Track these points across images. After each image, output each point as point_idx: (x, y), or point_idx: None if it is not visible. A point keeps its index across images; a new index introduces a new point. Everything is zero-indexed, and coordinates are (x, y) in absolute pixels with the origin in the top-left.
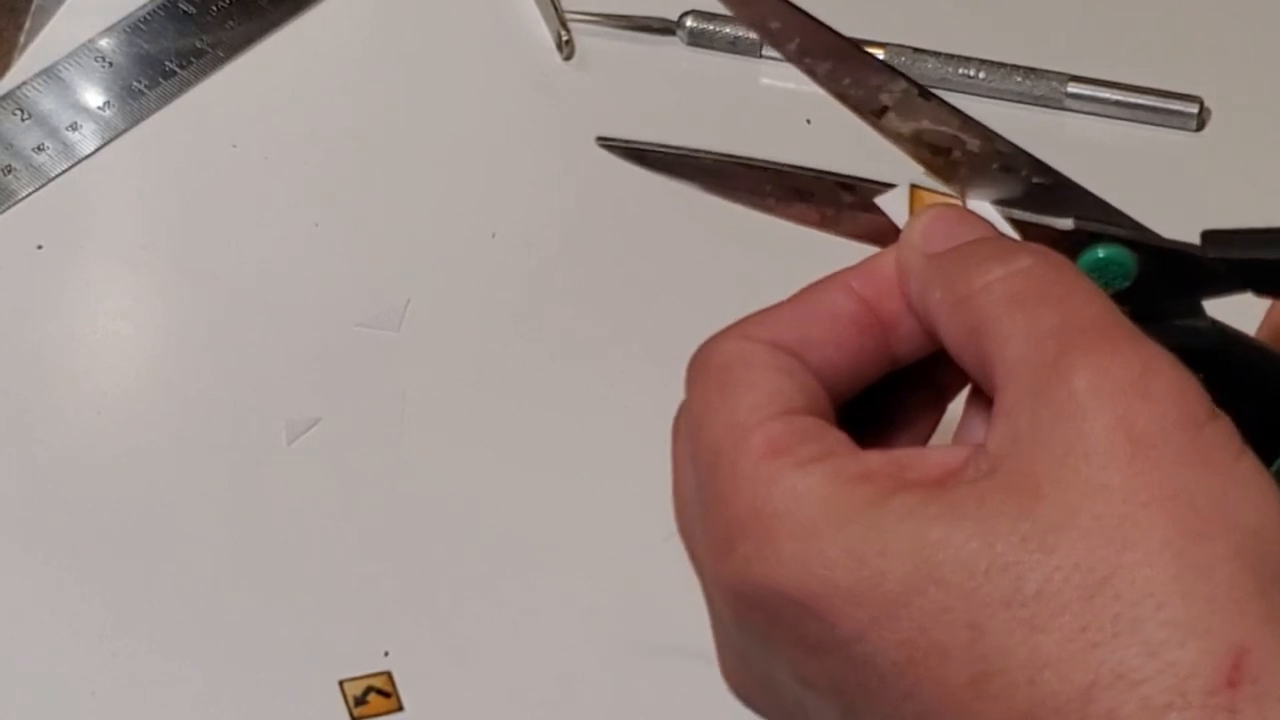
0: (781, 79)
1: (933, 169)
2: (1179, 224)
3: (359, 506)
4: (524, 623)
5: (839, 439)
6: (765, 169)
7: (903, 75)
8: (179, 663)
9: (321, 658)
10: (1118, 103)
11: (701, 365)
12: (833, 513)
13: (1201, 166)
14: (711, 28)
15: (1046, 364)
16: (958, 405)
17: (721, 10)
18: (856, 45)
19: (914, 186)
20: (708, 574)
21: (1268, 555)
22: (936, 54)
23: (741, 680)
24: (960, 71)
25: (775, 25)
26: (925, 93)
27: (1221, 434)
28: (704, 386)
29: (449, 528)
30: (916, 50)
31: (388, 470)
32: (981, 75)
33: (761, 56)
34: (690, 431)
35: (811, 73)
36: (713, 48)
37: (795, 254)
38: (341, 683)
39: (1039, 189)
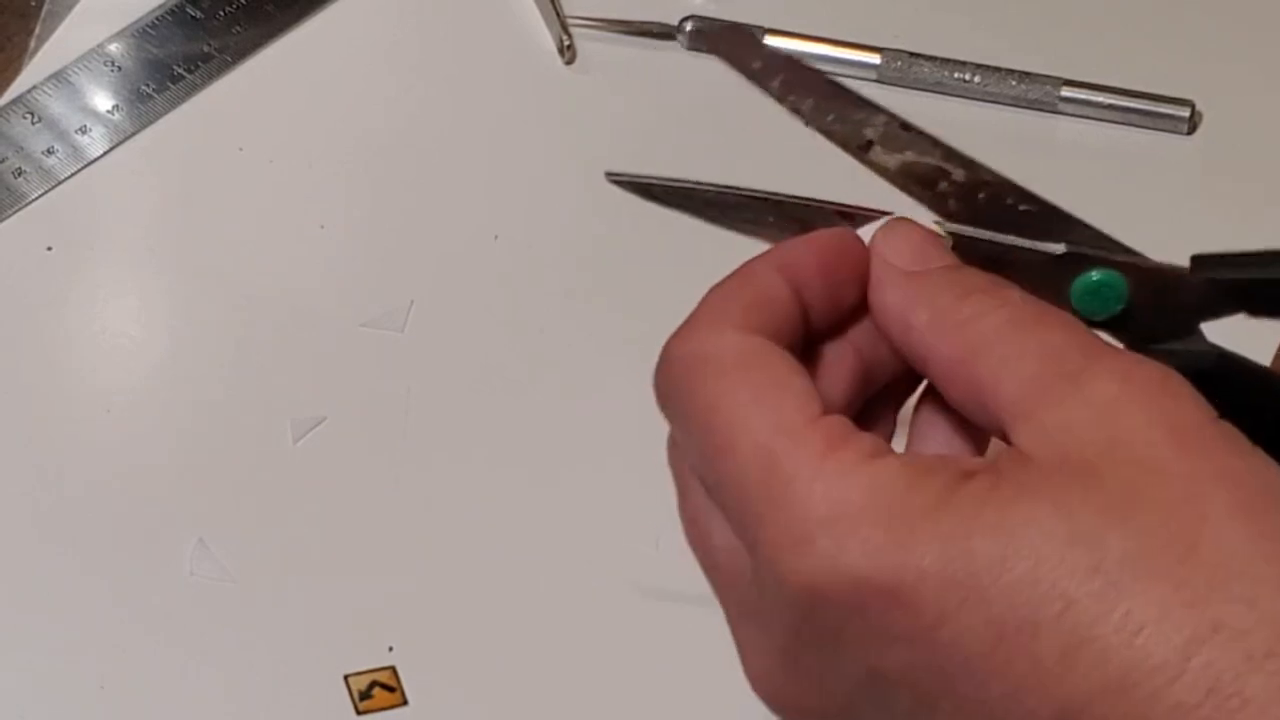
0: None
1: (922, 202)
2: (1171, 226)
3: (364, 504)
4: (527, 618)
5: (874, 435)
6: (767, 200)
7: (884, 109)
8: (186, 658)
9: (326, 652)
10: (1110, 106)
11: (702, 364)
12: (915, 502)
13: (1193, 169)
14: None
15: (1069, 374)
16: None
17: (721, 15)
18: (837, 82)
19: (893, 220)
20: (766, 575)
21: None
22: (932, 58)
23: (779, 684)
24: (955, 76)
25: (757, 65)
26: (907, 125)
27: (1233, 429)
28: (720, 387)
29: (453, 525)
30: (912, 55)
31: (392, 468)
32: (976, 79)
33: None
34: (714, 438)
35: (796, 110)
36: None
37: None
38: (346, 677)
39: (1026, 216)
